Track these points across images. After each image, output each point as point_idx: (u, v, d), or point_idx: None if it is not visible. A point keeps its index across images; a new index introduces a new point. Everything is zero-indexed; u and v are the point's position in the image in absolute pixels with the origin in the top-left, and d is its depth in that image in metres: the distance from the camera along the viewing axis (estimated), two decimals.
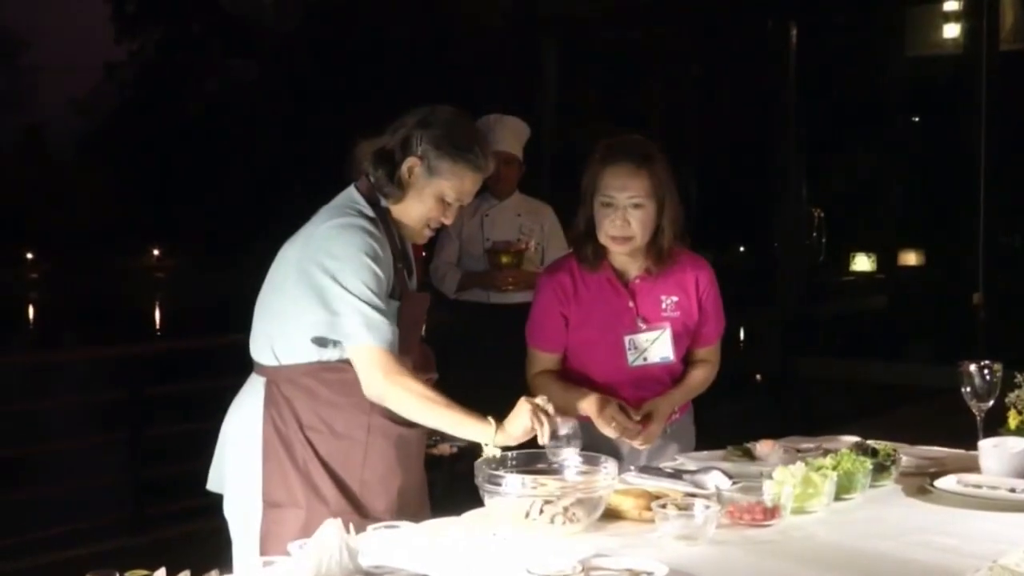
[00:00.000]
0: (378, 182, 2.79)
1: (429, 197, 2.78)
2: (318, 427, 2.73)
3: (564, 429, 2.64)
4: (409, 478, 2.82)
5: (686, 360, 3.35)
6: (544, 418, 2.61)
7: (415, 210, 2.80)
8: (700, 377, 3.37)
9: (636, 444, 3.14)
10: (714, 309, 3.37)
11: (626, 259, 3.25)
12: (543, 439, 2.61)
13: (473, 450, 2.65)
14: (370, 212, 2.77)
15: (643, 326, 3.24)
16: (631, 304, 3.25)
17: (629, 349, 3.22)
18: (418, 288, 2.94)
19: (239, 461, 2.79)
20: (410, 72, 28.79)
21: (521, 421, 2.62)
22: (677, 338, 3.26)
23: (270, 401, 2.75)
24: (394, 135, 2.79)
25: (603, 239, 3.19)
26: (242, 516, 2.78)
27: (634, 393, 3.23)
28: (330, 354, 2.71)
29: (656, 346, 3.23)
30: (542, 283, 3.34)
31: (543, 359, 3.31)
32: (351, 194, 2.82)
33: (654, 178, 3.15)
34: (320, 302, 2.66)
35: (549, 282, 3.30)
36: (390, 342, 2.65)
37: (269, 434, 2.74)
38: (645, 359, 3.23)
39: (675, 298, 3.28)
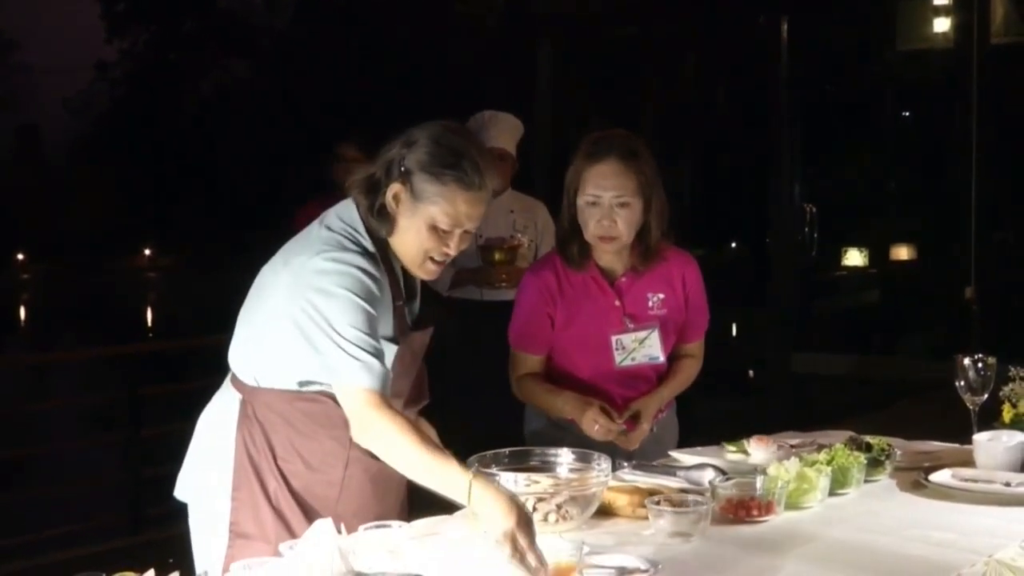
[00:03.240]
0: (366, 215, 2.52)
1: (421, 226, 2.49)
2: (292, 459, 2.56)
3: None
4: (386, 507, 2.65)
5: (671, 355, 3.33)
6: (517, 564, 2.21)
7: (411, 243, 2.52)
8: (686, 373, 3.36)
9: (623, 445, 3.13)
10: (700, 304, 3.36)
11: (612, 257, 3.22)
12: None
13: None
14: (370, 246, 2.51)
15: (631, 325, 3.21)
16: (618, 303, 3.22)
17: (616, 349, 3.19)
18: (420, 310, 2.74)
19: (208, 481, 2.63)
20: (405, 72, 28.79)
21: (496, 529, 2.24)
22: (664, 336, 3.24)
23: (244, 422, 2.58)
24: (381, 159, 2.53)
25: (589, 238, 3.16)
26: (206, 539, 2.63)
27: (621, 392, 3.22)
28: (311, 388, 2.53)
29: (644, 346, 3.20)
30: (526, 283, 3.28)
31: (528, 361, 3.26)
32: (353, 218, 2.54)
33: (640, 175, 3.11)
34: (308, 344, 2.44)
35: (534, 282, 3.25)
36: (384, 384, 2.42)
37: (241, 460, 2.57)
38: (633, 359, 3.20)
39: (662, 295, 3.26)
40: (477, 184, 2.50)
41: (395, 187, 2.49)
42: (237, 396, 2.62)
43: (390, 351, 2.52)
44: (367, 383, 2.40)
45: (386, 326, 2.52)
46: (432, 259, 2.55)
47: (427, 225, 2.50)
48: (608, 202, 3.10)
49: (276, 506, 2.56)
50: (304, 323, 2.44)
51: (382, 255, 2.54)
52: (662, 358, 3.24)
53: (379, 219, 2.52)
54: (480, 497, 2.29)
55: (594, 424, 3.05)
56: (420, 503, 2.82)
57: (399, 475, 2.61)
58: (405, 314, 2.61)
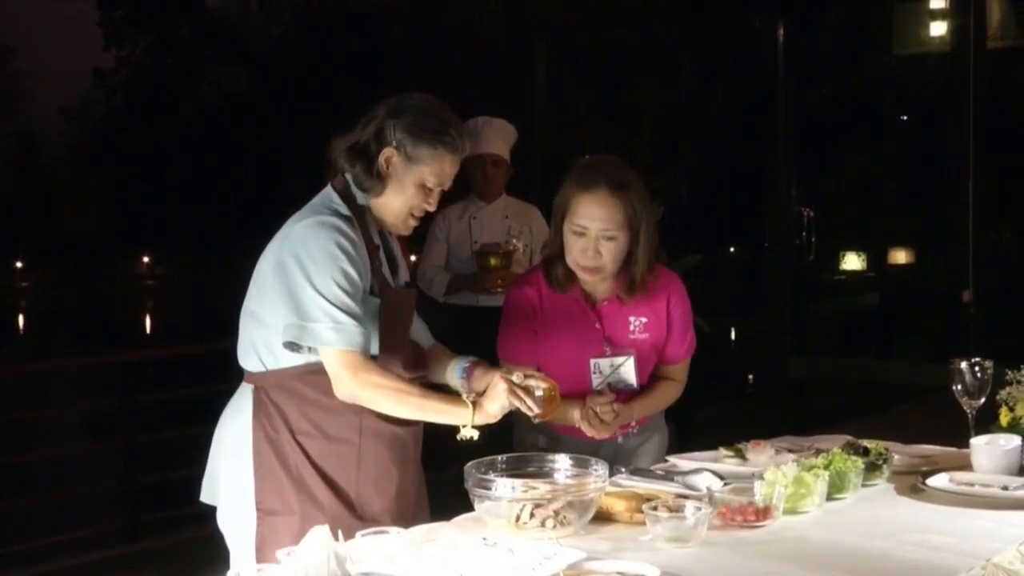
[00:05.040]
0: (356, 177, 2.76)
1: (410, 186, 2.75)
2: (309, 431, 2.70)
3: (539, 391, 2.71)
4: (406, 479, 2.80)
5: (653, 375, 3.30)
6: (522, 394, 2.66)
7: (397, 200, 2.77)
8: (663, 394, 3.32)
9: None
10: (683, 326, 3.30)
11: (596, 281, 3.20)
12: (529, 412, 2.68)
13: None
14: (345, 210, 2.73)
15: (608, 350, 3.18)
16: (598, 326, 3.20)
17: (594, 372, 3.16)
18: (407, 285, 2.92)
19: (231, 471, 2.76)
20: (401, 75, 28.81)
21: (499, 401, 2.65)
22: (644, 363, 3.21)
23: (259, 408, 2.72)
24: (366, 128, 2.76)
25: (571, 265, 3.13)
26: (238, 526, 2.74)
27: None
28: (310, 356, 2.68)
29: (620, 373, 3.15)
30: (510, 297, 3.28)
31: None
32: (327, 193, 2.79)
33: (628, 207, 3.06)
34: (292, 306, 2.63)
35: (516, 296, 3.24)
36: (360, 344, 2.63)
37: (260, 442, 2.71)
38: (609, 385, 3.16)
39: (644, 319, 3.22)
40: (460, 148, 2.79)
41: (388, 152, 2.74)
42: (250, 391, 2.75)
43: (372, 304, 2.72)
44: (341, 344, 2.62)
45: (365, 281, 2.71)
46: (413, 215, 2.81)
47: (416, 184, 2.77)
48: (595, 234, 3.07)
49: (298, 478, 2.69)
50: (291, 281, 2.64)
51: (358, 221, 2.75)
52: (636, 385, 3.19)
53: (374, 180, 2.75)
54: (480, 412, 2.64)
55: (594, 421, 3.07)
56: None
57: (413, 443, 2.83)
58: (385, 273, 2.79)
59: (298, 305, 2.63)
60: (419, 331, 3.03)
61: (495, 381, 2.68)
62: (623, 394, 3.20)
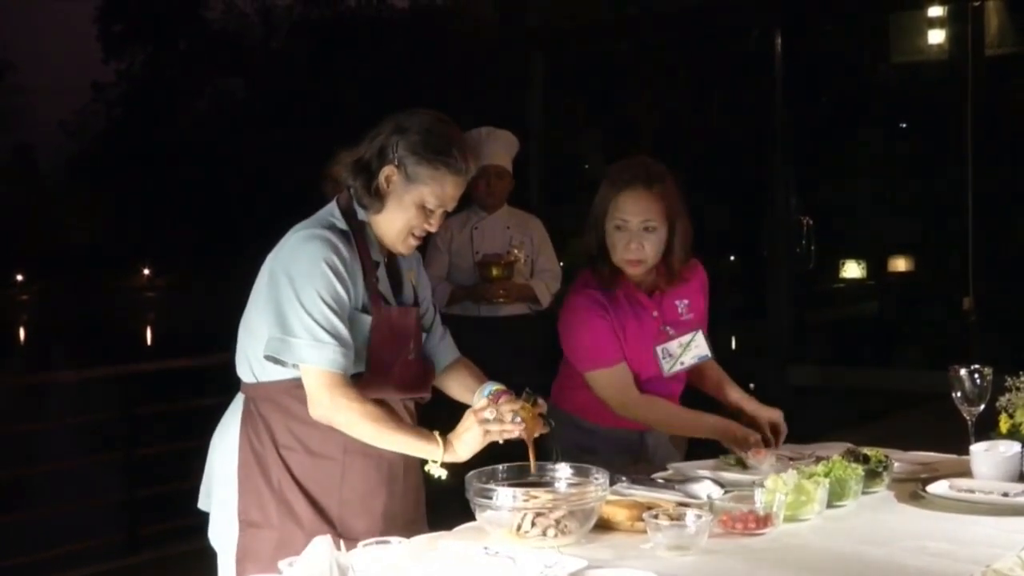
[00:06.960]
0: (357, 193, 2.72)
1: (410, 205, 2.70)
2: (293, 446, 2.68)
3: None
4: (395, 500, 2.77)
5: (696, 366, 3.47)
6: (499, 428, 2.58)
7: (397, 220, 2.71)
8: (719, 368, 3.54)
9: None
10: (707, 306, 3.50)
11: (640, 274, 3.31)
12: (513, 436, 2.62)
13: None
14: (343, 225, 2.70)
15: (672, 332, 3.33)
16: (655, 314, 3.33)
17: (663, 358, 3.30)
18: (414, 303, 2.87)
19: (221, 481, 2.75)
20: (399, 87, 28.86)
21: (470, 445, 2.59)
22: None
23: (247, 419, 2.71)
24: (371, 144, 2.72)
25: (617, 262, 3.25)
26: (224, 536, 2.74)
27: (676, 389, 3.40)
28: (296, 371, 2.64)
29: (691, 348, 3.34)
30: (578, 304, 3.31)
31: (627, 373, 3.28)
32: (330, 207, 2.76)
33: (665, 200, 3.20)
34: (277, 319, 2.60)
35: (586, 301, 3.29)
36: (340, 364, 2.59)
37: (246, 453, 2.69)
38: (682, 363, 3.34)
39: (686, 301, 3.39)
40: (464, 170, 2.73)
41: (388, 170, 2.69)
42: (242, 401, 2.75)
43: (362, 321, 2.67)
44: (320, 363, 2.58)
45: (356, 298, 2.66)
46: (413, 235, 2.76)
47: (416, 204, 2.71)
48: (636, 227, 3.20)
49: (279, 492, 2.67)
50: (277, 292, 2.62)
51: (356, 237, 2.71)
52: (711, 354, 3.38)
53: (372, 198, 2.70)
54: (450, 452, 2.58)
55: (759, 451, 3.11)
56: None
57: (406, 464, 2.78)
58: (381, 290, 2.74)
59: (282, 319, 2.60)
60: (440, 347, 2.99)
61: (468, 423, 2.61)
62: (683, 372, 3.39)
